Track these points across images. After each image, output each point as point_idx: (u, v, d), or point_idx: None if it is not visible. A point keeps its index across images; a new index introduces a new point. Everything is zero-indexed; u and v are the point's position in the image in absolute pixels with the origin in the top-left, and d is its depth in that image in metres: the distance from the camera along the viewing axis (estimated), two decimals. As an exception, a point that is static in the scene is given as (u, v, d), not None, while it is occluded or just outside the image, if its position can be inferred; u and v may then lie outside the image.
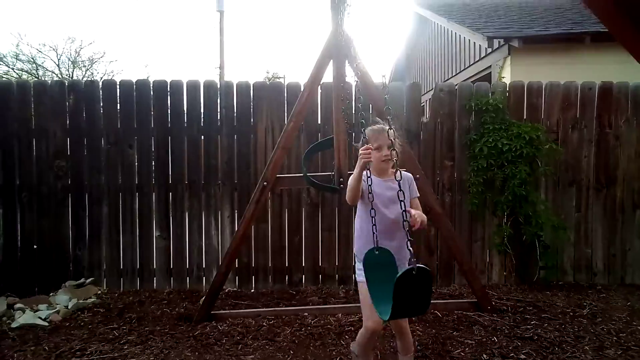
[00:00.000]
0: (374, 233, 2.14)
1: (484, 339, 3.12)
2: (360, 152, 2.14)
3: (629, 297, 4.01)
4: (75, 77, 16.53)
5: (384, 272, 2.06)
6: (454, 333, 3.23)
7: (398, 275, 1.72)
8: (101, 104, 4.32)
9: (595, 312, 3.64)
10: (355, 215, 2.45)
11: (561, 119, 4.47)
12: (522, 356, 2.87)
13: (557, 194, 4.47)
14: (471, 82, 5.59)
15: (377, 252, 2.17)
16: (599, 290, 4.23)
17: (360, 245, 2.33)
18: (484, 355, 2.88)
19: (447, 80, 9.40)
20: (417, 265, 1.72)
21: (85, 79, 14.38)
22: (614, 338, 3.16)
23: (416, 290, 1.78)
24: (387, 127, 2.14)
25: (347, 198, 2.29)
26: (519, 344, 3.05)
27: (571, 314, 3.61)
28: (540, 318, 3.50)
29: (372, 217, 2.14)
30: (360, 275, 2.29)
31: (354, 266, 2.56)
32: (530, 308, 3.71)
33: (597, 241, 4.48)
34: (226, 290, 4.16)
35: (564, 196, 4.48)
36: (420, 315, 3.30)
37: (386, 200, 2.27)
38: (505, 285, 4.36)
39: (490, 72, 7.36)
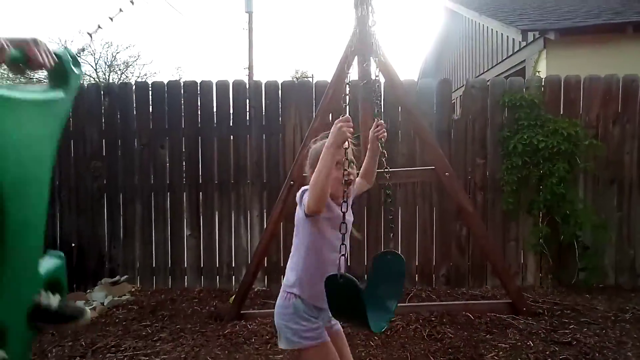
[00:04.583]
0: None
1: (519, 343, 3.01)
2: (338, 122, 1.56)
3: (676, 302, 3.79)
4: (111, 80, 17.09)
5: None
6: (487, 336, 3.14)
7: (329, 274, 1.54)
8: (134, 106, 4.43)
9: (638, 317, 3.45)
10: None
11: (601, 114, 4.26)
12: (560, 362, 2.76)
13: (597, 193, 4.27)
14: (504, 77, 5.42)
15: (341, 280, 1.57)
16: (643, 293, 4.01)
17: (314, 289, 1.70)
18: (519, 360, 2.79)
19: (479, 76, 9.16)
20: (342, 273, 1.50)
21: (120, 81, 14.84)
22: (660, 344, 2.99)
23: (346, 298, 1.54)
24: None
25: (312, 198, 1.58)
26: (557, 348, 2.93)
27: (612, 318, 3.44)
28: (579, 322, 3.35)
29: (339, 250, 1.56)
30: (317, 334, 1.72)
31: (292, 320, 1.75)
32: (568, 311, 3.56)
33: (641, 242, 4.26)
34: (255, 290, 4.19)
35: (604, 195, 4.27)
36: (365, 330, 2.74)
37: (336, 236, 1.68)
38: (541, 287, 4.20)
39: (525, 67, 7.12)
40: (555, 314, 3.52)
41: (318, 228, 1.74)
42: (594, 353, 2.86)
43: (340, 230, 1.59)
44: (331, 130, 1.61)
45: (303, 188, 1.78)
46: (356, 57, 3.21)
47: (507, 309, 3.52)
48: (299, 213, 1.78)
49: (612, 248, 4.24)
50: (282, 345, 1.82)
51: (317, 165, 1.59)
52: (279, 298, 1.84)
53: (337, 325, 1.94)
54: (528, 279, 4.29)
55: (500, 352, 2.89)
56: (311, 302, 1.76)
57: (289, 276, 1.83)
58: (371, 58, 3.02)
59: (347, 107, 1.89)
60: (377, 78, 2.67)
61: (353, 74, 3.37)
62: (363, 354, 2.91)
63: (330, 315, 1.76)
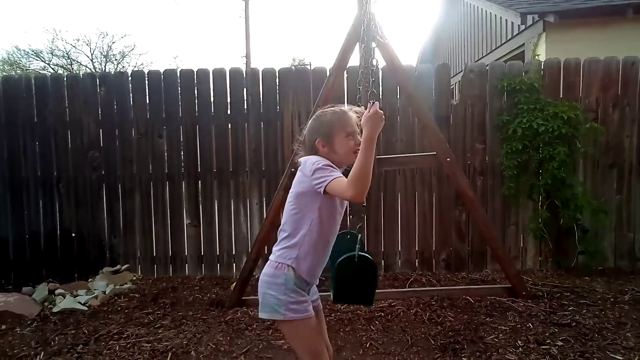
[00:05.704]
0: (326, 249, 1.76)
1: (519, 325, 3.04)
2: (374, 113, 1.62)
3: (675, 283, 3.82)
4: (107, 70, 16.95)
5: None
6: (487, 319, 3.16)
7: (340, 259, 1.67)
8: (131, 95, 4.40)
9: (637, 298, 3.48)
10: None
11: (601, 97, 4.24)
12: (560, 343, 2.78)
13: (596, 176, 4.27)
14: (503, 61, 5.38)
15: (348, 237, 1.95)
16: (642, 275, 4.04)
17: (309, 264, 1.72)
18: (519, 342, 2.80)
19: (478, 60, 9.10)
20: (359, 253, 1.65)
21: (115, 71, 14.72)
22: (659, 325, 3.01)
23: (358, 277, 1.70)
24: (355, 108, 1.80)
25: (359, 189, 1.59)
26: (556, 330, 2.95)
27: (612, 299, 3.46)
28: (579, 304, 3.37)
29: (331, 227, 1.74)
30: (303, 307, 1.69)
31: (286, 294, 1.68)
32: (568, 294, 3.58)
33: (640, 225, 4.27)
34: (256, 277, 4.19)
35: (604, 178, 4.27)
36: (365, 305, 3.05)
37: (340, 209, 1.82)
38: (540, 270, 4.23)
39: (524, 51, 7.07)
40: (555, 296, 3.54)
41: (329, 203, 1.72)
42: (593, 334, 2.88)
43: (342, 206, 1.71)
44: (367, 119, 1.62)
45: (312, 159, 1.73)
46: (357, 44, 3.17)
47: (507, 293, 3.54)
48: (306, 185, 1.71)
49: (611, 231, 4.26)
50: (263, 314, 1.73)
51: (362, 157, 1.57)
52: (267, 266, 1.75)
53: (319, 300, 1.90)
54: (528, 262, 4.32)
55: (500, 335, 2.91)
56: (303, 276, 1.71)
57: (285, 247, 1.74)
58: (373, 44, 2.98)
59: (359, 93, 1.89)
60: (373, 61, 2.65)
61: (354, 61, 3.34)
62: (364, 338, 2.93)
63: (316, 290, 1.86)
